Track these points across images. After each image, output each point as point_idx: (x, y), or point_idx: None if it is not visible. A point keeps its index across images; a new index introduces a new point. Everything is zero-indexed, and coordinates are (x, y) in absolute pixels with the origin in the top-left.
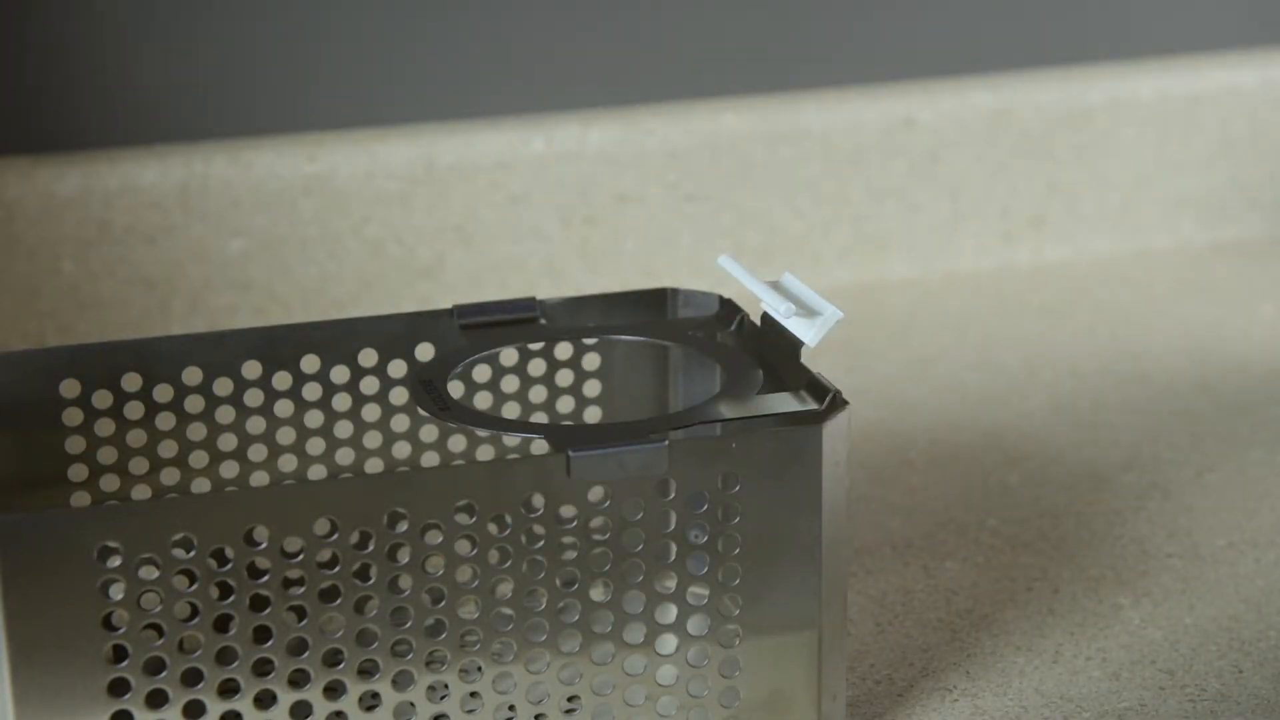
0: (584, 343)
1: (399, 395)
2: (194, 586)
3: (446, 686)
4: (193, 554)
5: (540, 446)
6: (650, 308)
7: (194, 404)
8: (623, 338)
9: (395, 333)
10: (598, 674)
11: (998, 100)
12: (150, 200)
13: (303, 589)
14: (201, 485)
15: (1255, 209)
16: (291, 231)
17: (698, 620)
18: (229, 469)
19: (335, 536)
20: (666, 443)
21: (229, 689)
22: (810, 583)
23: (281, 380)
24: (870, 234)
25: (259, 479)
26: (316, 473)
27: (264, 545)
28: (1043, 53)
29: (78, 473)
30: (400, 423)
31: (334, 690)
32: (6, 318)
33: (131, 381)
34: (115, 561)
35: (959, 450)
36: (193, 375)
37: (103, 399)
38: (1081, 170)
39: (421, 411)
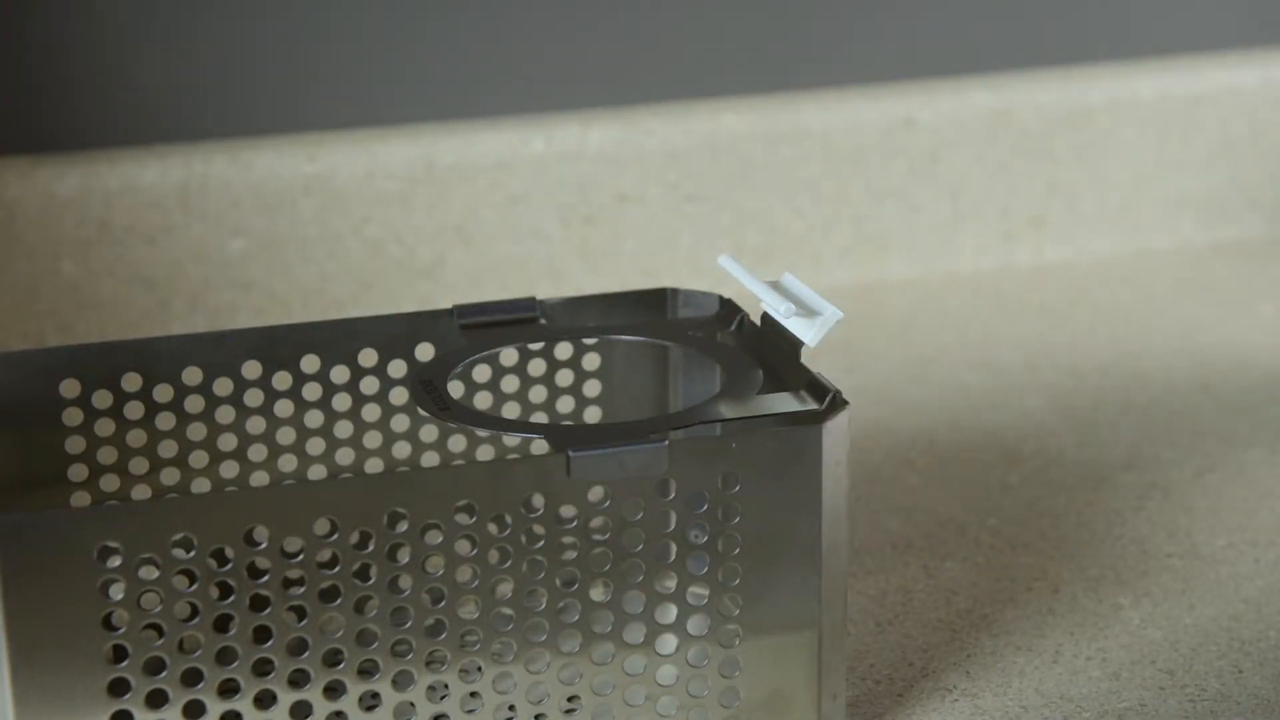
0: (584, 343)
1: (399, 395)
2: (194, 586)
3: (446, 686)
4: (193, 554)
5: (540, 446)
6: (650, 308)
7: (194, 404)
8: (623, 338)
9: (395, 333)
10: (598, 674)
11: (998, 100)
12: (150, 200)
13: (303, 589)
14: (201, 485)
15: (1255, 209)
16: (291, 231)
17: (698, 620)
18: (229, 469)
19: (335, 536)
20: (666, 443)
21: (229, 689)
22: (810, 583)
23: (281, 380)
24: (870, 234)
25: (259, 479)
26: (316, 473)
27: (264, 545)
28: (1043, 53)
29: (78, 473)
30: (400, 423)
31: (334, 690)
32: (6, 318)
33: (131, 381)
34: (115, 561)
35: (959, 450)
36: (193, 375)
37: (103, 399)
38: (1081, 170)
39: (421, 411)
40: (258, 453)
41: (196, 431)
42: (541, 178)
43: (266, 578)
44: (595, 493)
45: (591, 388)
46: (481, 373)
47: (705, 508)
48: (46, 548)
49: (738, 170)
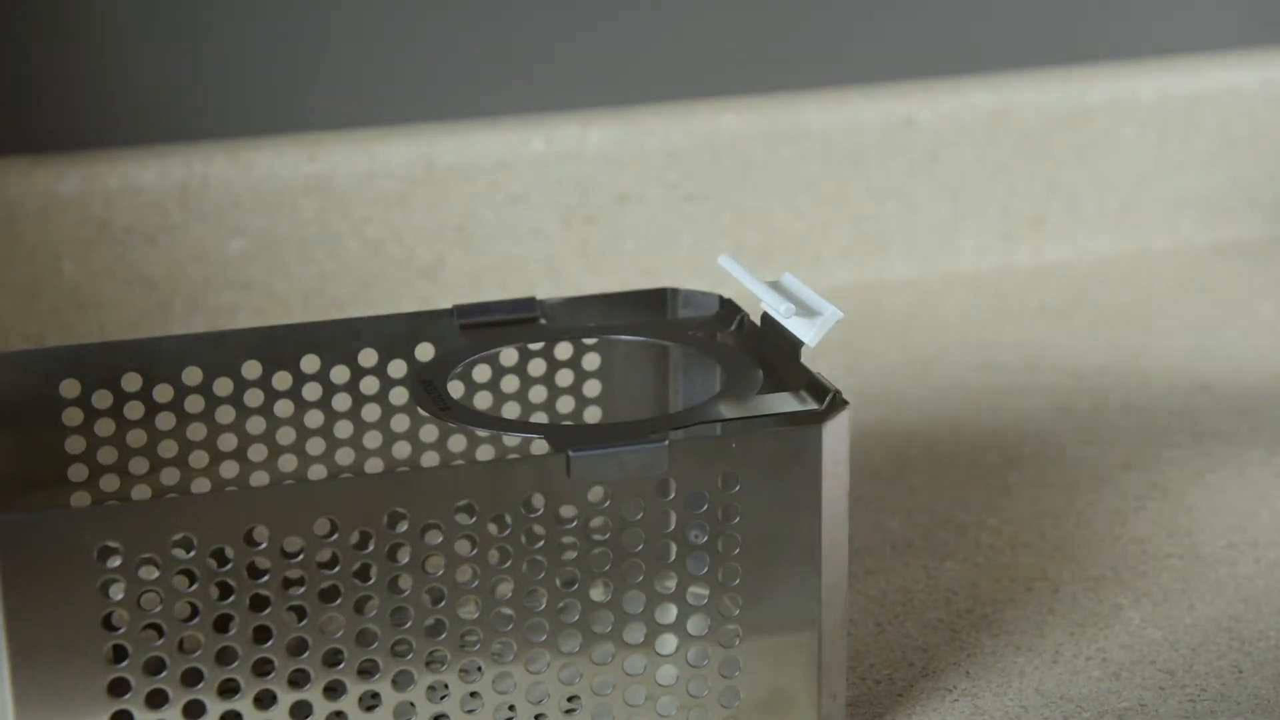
0: (584, 343)
1: (399, 395)
2: (194, 586)
3: (446, 686)
4: (193, 554)
5: (540, 446)
6: (650, 308)
7: (194, 404)
8: (623, 338)
9: (395, 333)
10: (598, 674)
11: (998, 100)
12: (150, 200)
13: (303, 589)
14: (201, 485)
15: (1255, 209)
16: (291, 231)
17: (698, 620)
18: (229, 469)
19: (335, 536)
20: (666, 443)
21: (229, 689)
22: (810, 583)
23: (281, 380)
24: (870, 234)
25: (259, 479)
26: (316, 473)
27: (264, 545)
28: (1043, 53)
29: (78, 473)
30: (400, 423)
31: (334, 690)
32: (6, 318)
33: (131, 381)
34: (115, 561)
35: (959, 450)
36: (193, 375)
37: (103, 399)
38: (1081, 170)
39: (421, 411)
40: (258, 453)
41: (196, 431)
42: (541, 178)
43: (266, 578)
44: (595, 493)
45: (591, 388)
46: (481, 373)
47: (705, 508)
48: (46, 548)
49: (738, 170)
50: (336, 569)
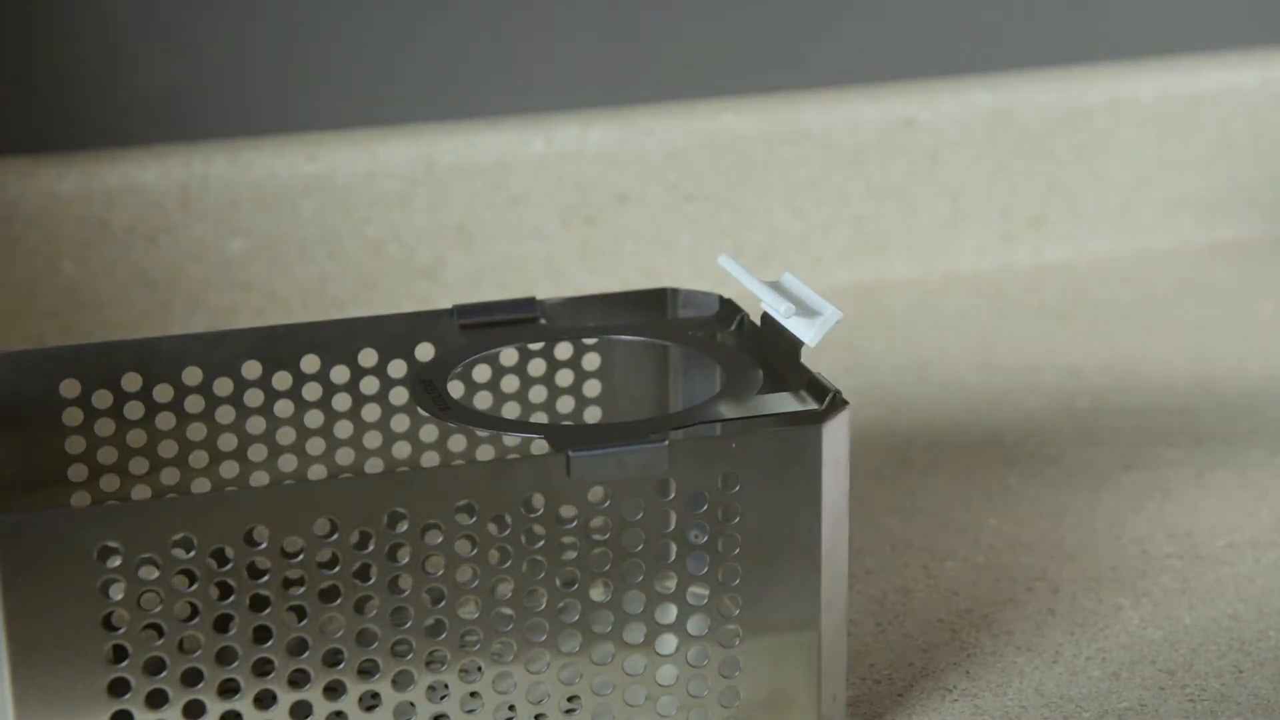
0: (584, 343)
1: (399, 395)
2: (194, 586)
3: (446, 686)
4: (193, 554)
5: (540, 446)
6: (650, 308)
7: (194, 404)
8: (623, 338)
9: (395, 333)
10: (598, 674)
11: (998, 100)
12: (150, 200)
13: (303, 589)
14: (201, 485)
15: (1255, 209)
16: (291, 231)
17: (698, 620)
18: (229, 469)
19: (335, 536)
20: (666, 443)
21: (229, 689)
22: (810, 583)
23: (281, 380)
24: (870, 234)
25: (259, 479)
26: (316, 473)
27: (264, 545)
28: (1043, 53)
29: (78, 473)
30: (400, 423)
31: (334, 690)
32: (6, 318)
33: (131, 381)
34: (115, 561)
35: (959, 450)
36: (193, 375)
37: (103, 399)
38: (1081, 170)
39: (421, 411)
40: (258, 453)
41: (196, 431)
42: (541, 178)
43: (266, 578)
44: (595, 493)
45: (591, 388)
46: (481, 373)
47: (705, 508)
48: (46, 548)
49: (738, 170)
50: (336, 569)
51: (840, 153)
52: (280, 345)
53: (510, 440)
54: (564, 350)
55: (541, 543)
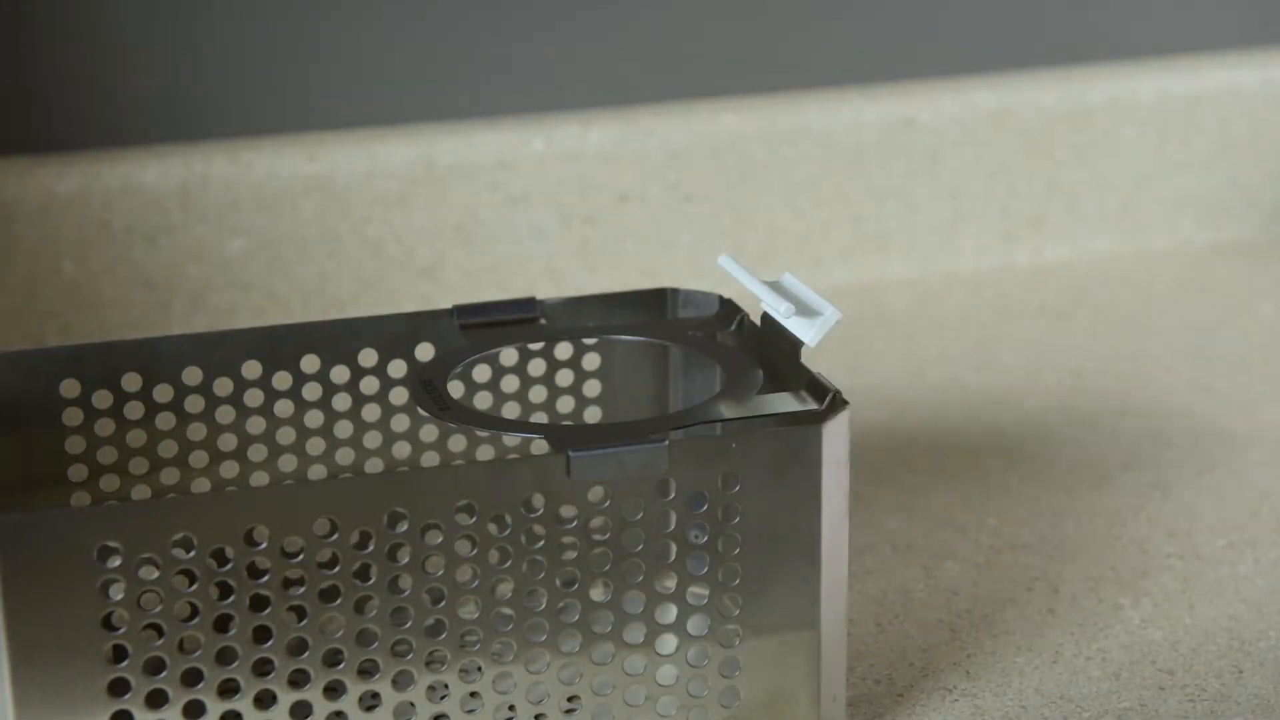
0: (584, 343)
1: (399, 395)
2: (194, 586)
3: (446, 686)
4: (193, 554)
5: (540, 446)
6: (650, 308)
7: (194, 404)
8: (623, 338)
9: (395, 333)
10: (598, 674)
11: (998, 100)
12: (150, 200)
13: (303, 589)
14: (201, 485)
15: (1255, 209)
16: (291, 231)
17: (698, 620)
18: (229, 469)
19: (335, 536)
20: (666, 443)
21: (229, 689)
22: (810, 583)
23: (281, 380)
24: (870, 234)
25: (259, 479)
26: (316, 473)
27: (264, 545)
28: (1043, 53)
29: (78, 473)
30: (400, 423)
31: (334, 690)
32: (6, 318)
33: (131, 381)
34: (115, 561)
35: (959, 450)
36: (193, 375)
37: (103, 399)
38: (1081, 170)
39: (421, 411)
40: (258, 453)
41: (196, 431)
42: (541, 178)
43: (266, 578)
44: (595, 493)
45: (591, 388)
46: (481, 373)
47: (705, 508)
48: (46, 548)
49: (738, 170)
50: (336, 569)
51: (840, 153)
52: (280, 345)
53: (510, 440)
54: (564, 350)
55: (541, 543)
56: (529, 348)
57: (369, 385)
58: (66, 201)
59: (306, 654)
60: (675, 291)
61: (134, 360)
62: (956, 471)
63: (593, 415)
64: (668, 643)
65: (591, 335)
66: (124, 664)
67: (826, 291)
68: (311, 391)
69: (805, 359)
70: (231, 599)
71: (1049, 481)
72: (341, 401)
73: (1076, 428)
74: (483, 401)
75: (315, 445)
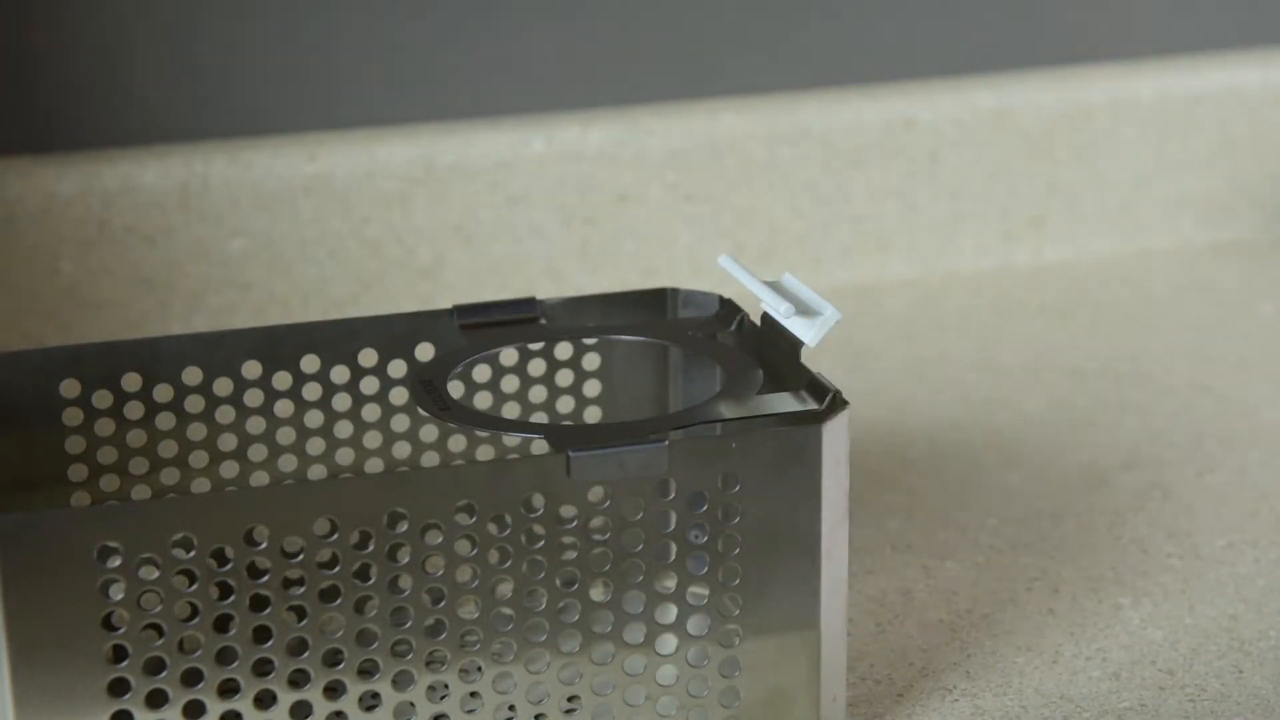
0: (584, 343)
1: (399, 395)
2: (194, 586)
3: (446, 686)
4: (193, 554)
5: (540, 446)
6: (650, 308)
7: (194, 404)
8: (623, 338)
9: (395, 333)
10: (598, 674)
11: (998, 100)
12: (150, 200)
13: (303, 589)
14: (201, 485)
15: (1255, 209)
16: (291, 231)
17: (698, 620)
18: (229, 469)
19: (335, 536)
20: (666, 443)
21: (229, 689)
22: (810, 583)
23: (281, 380)
24: (870, 234)
25: (259, 479)
26: (316, 473)
27: (264, 545)
28: (1043, 53)
29: (78, 473)
30: (400, 423)
31: (334, 690)
32: (6, 318)
33: (131, 381)
34: (115, 561)
35: (959, 450)
36: (193, 375)
37: (103, 399)
38: (1081, 170)
39: (421, 411)
40: (258, 453)
41: (196, 431)
42: (541, 178)
43: (266, 578)
44: (595, 493)
45: (591, 388)
46: (481, 373)
47: (705, 508)
48: (46, 548)
49: (738, 170)
50: (336, 569)
51: (840, 153)
52: (280, 345)
53: (510, 440)
54: (564, 350)
55: (541, 543)
56: (529, 348)
57: (369, 385)
58: (66, 201)
59: (306, 654)
60: (675, 291)
61: (134, 360)
62: (956, 471)
63: (593, 415)
64: (668, 643)
65: (591, 335)
66: (124, 664)
67: (826, 291)
68: (311, 391)
69: (805, 359)
70: (231, 599)
71: (1049, 481)
72: (341, 401)
73: (1076, 428)
74: (483, 401)
75: (315, 445)
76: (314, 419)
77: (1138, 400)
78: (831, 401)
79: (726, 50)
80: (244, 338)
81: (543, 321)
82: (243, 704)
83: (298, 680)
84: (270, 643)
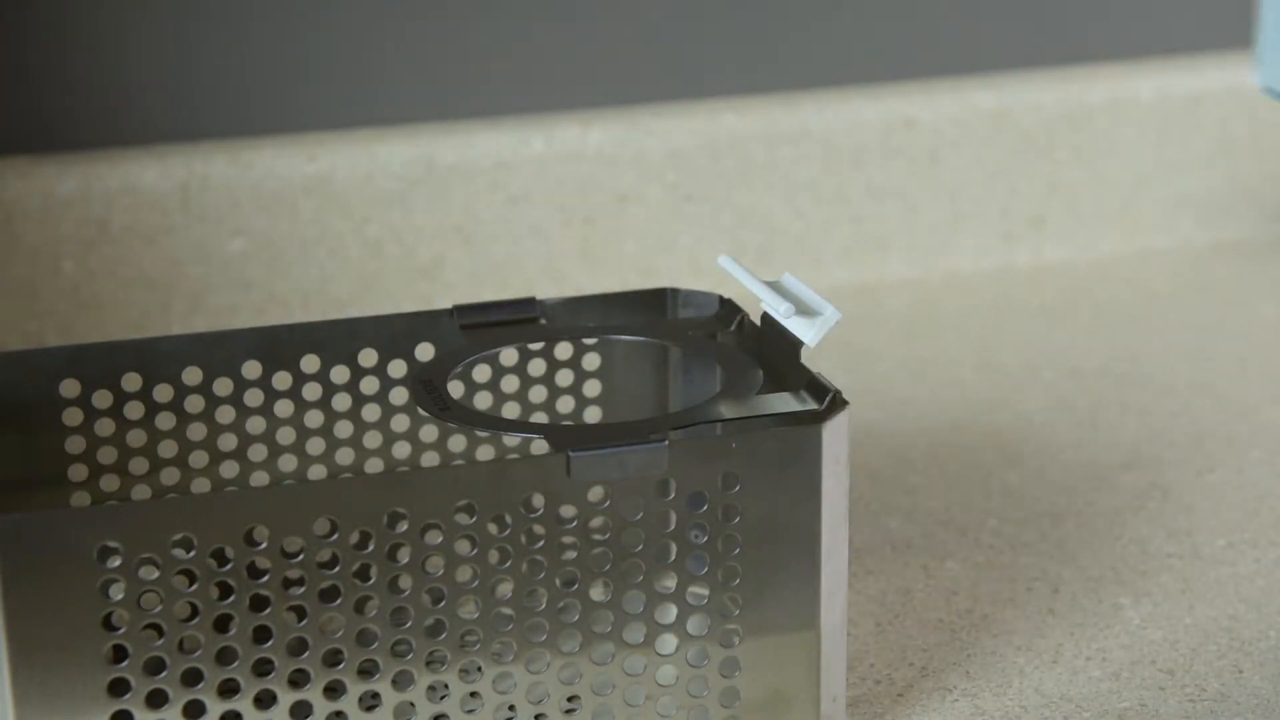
0: (584, 343)
1: (399, 395)
2: (194, 586)
3: (446, 686)
4: (193, 554)
5: (540, 446)
6: (650, 308)
7: (194, 404)
8: (623, 338)
9: (395, 333)
10: (598, 674)
11: (998, 100)
12: (150, 200)
13: (303, 589)
14: (201, 485)
15: (1255, 209)
16: (291, 231)
17: (698, 620)
18: (229, 469)
19: (335, 536)
20: (666, 443)
21: (229, 689)
22: (810, 583)
23: (281, 380)
24: (870, 234)
25: (259, 479)
26: (316, 473)
27: (264, 545)
28: (1043, 53)
29: (78, 473)
30: (400, 423)
31: (334, 690)
32: (6, 318)
33: (131, 381)
34: (115, 561)
35: (959, 450)
36: (193, 375)
37: (103, 399)
38: (1081, 170)
39: (421, 411)
40: (258, 453)
41: (196, 431)
42: (541, 178)
43: (266, 578)
44: (595, 493)
45: (591, 388)
46: (481, 373)
47: (705, 508)
48: (46, 548)
49: (738, 170)
50: (336, 569)
51: (840, 153)
52: (280, 345)
53: (510, 440)
54: (564, 350)
55: (541, 543)
56: (529, 348)
57: (369, 385)
58: (66, 201)
59: (306, 654)
60: (675, 291)
61: (134, 360)
62: (956, 471)
63: (593, 415)
64: (668, 643)
65: (591, 335)
66: (124, 664)
67: (826, 291)
68: (311, 391)
69: (805, 359)
70: (231, 599)
71: (1049, 481)
72: (341, 401)
73: (1076, 428)
74: (483, 401)
75: (315, 445)
76: (314, 419)
77: (1138, 400)
78: (831, 401)
79: (726, 50)
80: (244, 338)
81: (543, 321)
82: (243, 704)
83: (298, 680)
84: (270, 643)
